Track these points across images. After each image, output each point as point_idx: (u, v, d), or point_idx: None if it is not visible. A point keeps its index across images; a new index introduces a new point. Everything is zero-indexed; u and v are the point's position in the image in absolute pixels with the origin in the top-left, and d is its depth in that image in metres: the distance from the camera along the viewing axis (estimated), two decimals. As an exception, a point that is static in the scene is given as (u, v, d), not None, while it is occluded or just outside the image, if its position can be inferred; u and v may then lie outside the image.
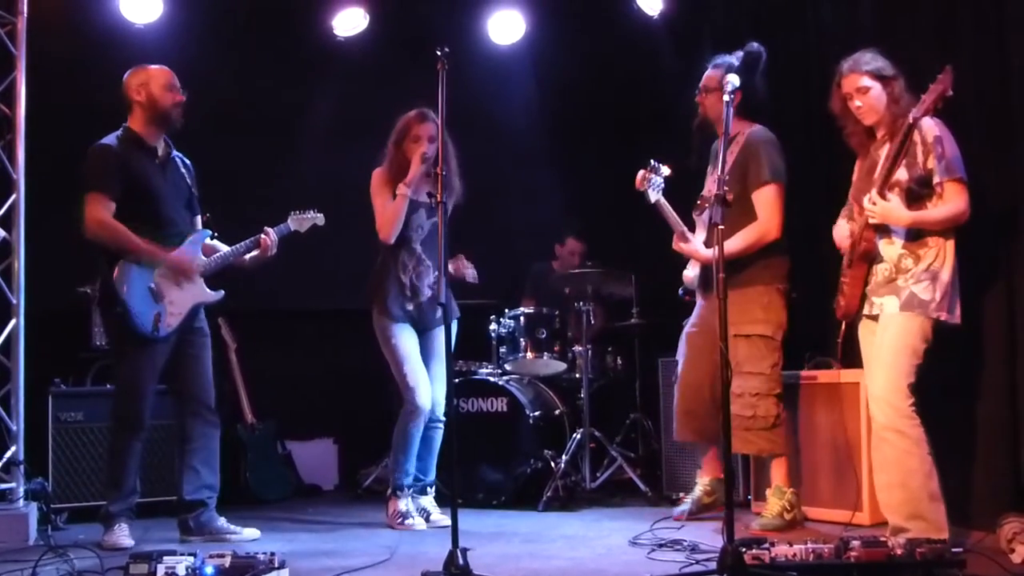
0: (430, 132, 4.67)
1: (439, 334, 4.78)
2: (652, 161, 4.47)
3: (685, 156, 4.74)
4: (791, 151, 4.75)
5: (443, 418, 4.83)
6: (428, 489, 4.92)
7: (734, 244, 4.37)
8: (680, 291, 5.07)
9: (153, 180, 4.42)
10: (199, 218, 4.64)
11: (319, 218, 4.84)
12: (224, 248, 4.58)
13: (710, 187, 4.61)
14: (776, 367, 4.51)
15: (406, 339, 4.76)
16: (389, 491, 4.81)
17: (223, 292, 4.59)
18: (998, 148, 4.13)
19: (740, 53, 4.55)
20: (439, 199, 3.70)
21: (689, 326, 4.81)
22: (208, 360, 4.58)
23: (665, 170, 4.48)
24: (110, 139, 4.39)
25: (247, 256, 4.61)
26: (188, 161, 4.63)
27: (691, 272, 4.78)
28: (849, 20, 4.97)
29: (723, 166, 3.63)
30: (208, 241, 4.58)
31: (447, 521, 4.41)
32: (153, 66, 4.46)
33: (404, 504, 4.73)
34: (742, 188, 4.48)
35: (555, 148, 6.71)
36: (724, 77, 3.76)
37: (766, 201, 4.49)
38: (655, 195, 4.48)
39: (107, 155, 4.34)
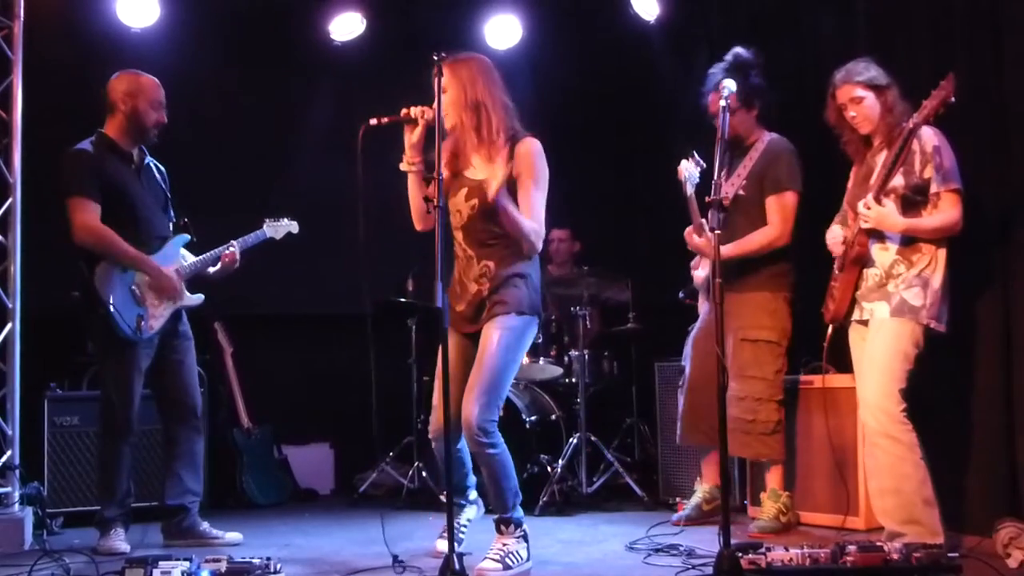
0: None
1: (485, 333, 3.86)
2: (695, 153, 4.45)
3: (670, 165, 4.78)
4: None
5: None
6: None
7: (744, 245, 4.51)
8: (680, 294, 5.07)
9: (129, 184, 4.41)
10: (171, 224, 4.62)
11: (293, 226, 4.80)
12: (192, 258, 4.57)
13: (727, 190, 4.55)
14: (780, 373, 4.56)
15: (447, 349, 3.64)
16: None
17: (202, 296, 4.58)
18: (993, 154, 4.14)
19: (729, 59, 4.60)
20: (436, 203, 3.63)
21: (695, 330, 4.84)
22: (193, 364, 4.57)
23: (703, 165, 4.44)
24: (84, 144, 4.38)
25: (211, 268, 4.58)
26: (162, 167, 4.64)
27: (701, 272, 4.79)
28: (845, 27, 4.98)
29: (717, 170, 3.62)
30: (182, 248, 4.58)
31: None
32: (145, 77, 4.44)
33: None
34: (759, 193, 4.51)
35: (552, 153, 6.70)
36: (721, 83, 3.77)
37: (780, 207, 4.54)
38: (691, 189, 4.46)
39: (82, 159, 4.33)
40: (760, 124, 4.68)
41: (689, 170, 4.42)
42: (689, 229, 4.61)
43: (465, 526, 4.17)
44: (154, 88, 4.43)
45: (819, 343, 4.17)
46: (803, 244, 4.63)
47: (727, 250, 4.37)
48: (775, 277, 4.56)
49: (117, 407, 4.34)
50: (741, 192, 4.54)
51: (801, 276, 4.64)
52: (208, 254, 4.56)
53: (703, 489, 4.80)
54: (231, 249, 4.57)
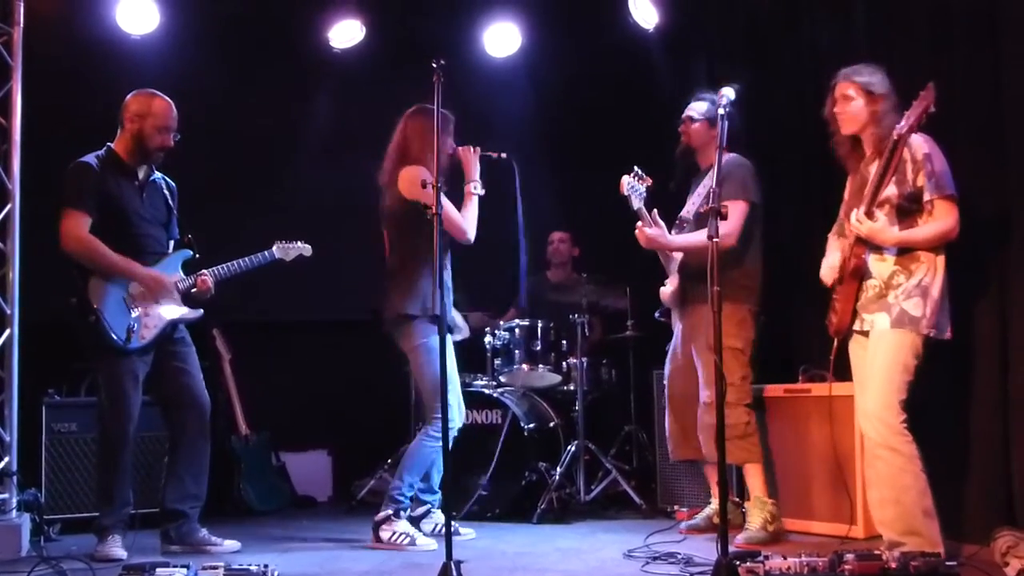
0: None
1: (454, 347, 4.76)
2: (636, 168, 4.51)
3: (668, 175, 4.82)
4: (784, 168, 4.78)
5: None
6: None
7: (689, 238, 4.60)
8: (656, 313, 5.10)
9: (129, 201, 4.43)
10: (173, 241, 4.62)
11: (306, 249, 4.79)
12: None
13: (689, 208, 4.72)
14: (746, 380, 4.60)
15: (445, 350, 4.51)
16: (389, 512, 4.51)
17: (202, 311, 4.57)
18: (990, 160, 4.14)
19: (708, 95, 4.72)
20: (434, 211, 3.70)
21: (671, 348, 4.89)
22: (197, 369, 4.57)
23: (647, 180, 4.53)
24: (90, 158, 4.41)
25: (192, 289, 4.53)
26: (172, 183, 4.64)
27: (668, 288, 4.81)
28: (844, 35, 4.98)
29: (716, 178, 3.64)
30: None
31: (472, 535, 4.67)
32: (158, 100, 4.44)
33: (405, 524, 4.52)
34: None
35: (550, 160, 6.72)
36: (720, 95, 3.78)
37: (729, 213, 4.57)
38: (638, 202, 4.52)
39: (85, 173, 4.36)
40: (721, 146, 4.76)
41: (632, 184, 4.48)
42: (639, 224, 4.62)
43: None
44: (164, 113, 4.43)
45: (817, 352, 4.17)
46: (802, 255, 4.64)
47: (676, 241, 4.61)
48: (741, 290, 4.58)
49: (113, 415, 4.34)
50: (701, 210, 4.60)
51: (800, 286, 4.64)
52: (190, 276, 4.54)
53: (717, 503, 4.79)
54: (201, 277, 4.51)
